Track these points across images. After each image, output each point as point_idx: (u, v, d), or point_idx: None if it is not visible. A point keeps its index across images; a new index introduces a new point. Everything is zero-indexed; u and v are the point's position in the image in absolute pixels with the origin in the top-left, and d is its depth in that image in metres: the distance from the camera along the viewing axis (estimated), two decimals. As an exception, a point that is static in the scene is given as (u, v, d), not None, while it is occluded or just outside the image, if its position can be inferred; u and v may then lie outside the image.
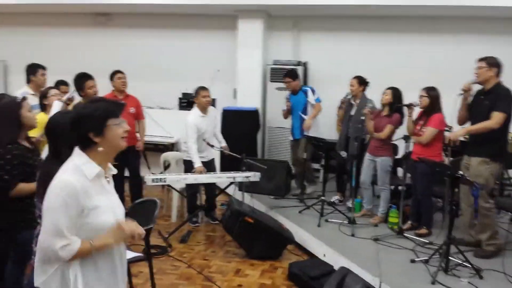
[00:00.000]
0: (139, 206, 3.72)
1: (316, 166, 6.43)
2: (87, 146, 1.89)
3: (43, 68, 4.93)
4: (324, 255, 4.35)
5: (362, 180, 5.15)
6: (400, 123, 4.92)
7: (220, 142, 5.45)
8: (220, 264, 4.36)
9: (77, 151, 1.91)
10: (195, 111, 5.13)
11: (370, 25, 7.18)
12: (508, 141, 4.34)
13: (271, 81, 7.22)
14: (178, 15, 7.74)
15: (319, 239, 4.55)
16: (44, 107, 4.05)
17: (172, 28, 7.83)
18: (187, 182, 4.89)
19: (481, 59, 4.16)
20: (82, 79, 4.65)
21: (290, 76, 5.96)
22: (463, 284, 3.62)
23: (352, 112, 5.43)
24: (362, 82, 5.40)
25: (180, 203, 5.69)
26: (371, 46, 7.17)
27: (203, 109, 5.13)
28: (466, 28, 6.82)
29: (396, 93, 4.90)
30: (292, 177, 6.35)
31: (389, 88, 4.96)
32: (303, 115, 5.76)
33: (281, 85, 7.06)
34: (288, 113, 5.97)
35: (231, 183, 5.23)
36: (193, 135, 4.99)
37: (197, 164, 4.94)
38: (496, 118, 3.98)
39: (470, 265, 3.82)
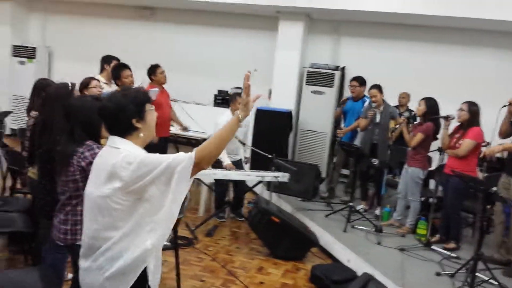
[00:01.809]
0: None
1: (344, 171, 6.39)
2: (128, 134, 1.93)
3: (118, 59, 5.15)
4: (348, 260, 4.34)
5: (399, 190, 5.11)
6: (432, 132, 4.83)
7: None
8: (243, 260, 4.41)
9: (118, 139, 1.92)
10: (228, 113, 5.18)
11: (410, 33, 7.11)
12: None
13: (307, 84, 7.23)
14: (219, 13, 7.88)
15: (344, 244, 4.54)
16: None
17: (212, 25, 7.97)
18: (217, 177, 4.96)
19: None
20: (119, 69, 4.80)
21: (358, 81, 5.99)
22: (489, 301, 3.56)
23: (377, 120, 5.39)
24: (381, 89, 5.39)
25: (208, 198, 5.78)
26: (409, 55, 7.10)
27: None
28: (509, 42, 6.66)
29: (430, 104, 4.82)
30: (321, 181, 6.35)
31: (423, 99, 4.90)
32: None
33: (317, 88, 7.11)
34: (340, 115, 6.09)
35: (260, 182, 5.29)
36: None
37: (226, 161, 5.03)
38: None
39: (497, 283, 3.74)
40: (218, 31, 7.93)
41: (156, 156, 1.83)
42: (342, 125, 6.16)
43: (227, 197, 5.60)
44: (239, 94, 5.10)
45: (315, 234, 4.68)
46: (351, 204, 5.15)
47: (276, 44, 7.32)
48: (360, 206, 5.65)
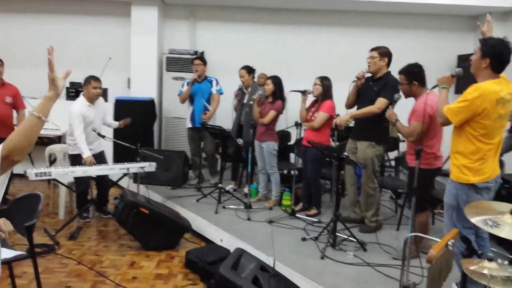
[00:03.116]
0: (20, 202, 3.43)
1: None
2: None
3: None
4: (221, 240, 4.40)
5: (259, 166, 5.30)
6: (282, 109, 5.11)
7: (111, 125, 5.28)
8: (113, 258, 4.19)
9: None
10: (81, 100, 4.82)
11: (266, 16, 7.40)
12: (389, 126, 4.70)
13: (167, 71, 7.10)
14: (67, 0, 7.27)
15: (216, 225, 4.59)
16: None
17: (61, 13, 7.34)
18: (76, 175, 4.58)
19: (373, 49, 4.43)
20: None
21: (201, 59, 5.92)
22: (350, 257, 3.90)
23: (245, 100, 5.54)
24: (250, 71, 5.54)
25: (69, 199, 5.36)
26: (266, 37, 7.41)
27: (91, 100, 4.85)
28: (358, 22, 7.34)
29: (276, 81, 5.10)
30: (190, 167, 6.32)
31: (269, 78, 5.15)
32: (207, 104, 5.75)
33: (178, 74, 7.00)
34: (186, 98, 5.91)
35: (125, 174, 5.05)
36: (80, 124, 4.69)
37: (86, 154, 4.65)
38: (379, 104, 4.28)
39: (355, 240, 4.11)
40: (67, 19, 7.32)
41: None
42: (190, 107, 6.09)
43: (89, 195, 5.23)
44: (92, 77, 4.80)
45: (187, 220, 4.64)
46: (220, 185, 5.21)
47: (131, 31, 7.03)
48: (230, 186, 5.76)
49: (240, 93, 5.64)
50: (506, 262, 2.11)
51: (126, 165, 4.85)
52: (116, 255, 4.26)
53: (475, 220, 2.24)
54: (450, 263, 2.31)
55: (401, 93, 3.95)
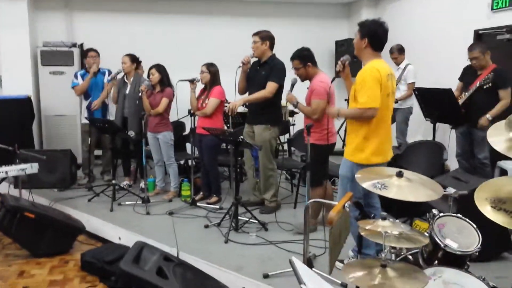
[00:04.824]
0: None
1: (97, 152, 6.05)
2: None
3: None
4: (120, 238, 4.19)
5: (155, 159, 5.15)
6: (173, 96, 5.04)
7: None
8: (-2, 270, 3.77)
9: None
10: None
11: (145, 6, 7.20)
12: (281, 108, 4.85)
13: (43, 65, 6.54)
14: None
15: (112, 223, 4.36)
16: None
17: None
18: None
19: (255, 34, 4.52)
20: None
21: (96, 51, 5.80)
22: (252, 238, 3.97)
23: (127, 91, 5.32)
24: (134, 60, 5.33)
25: None
26: (148, 27, 7.21)
27: None
28: (242, 11, 7.46)
29: (161, 69, 5.00)
30: (78, 166, 5.91)
31: (152, 68, 5.01)
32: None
33: (55, 68, 6.51)
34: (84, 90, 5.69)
35: (3, 178, 4.54)
36: None
37: None
38: (270, 87, 4.40)
39: (256, 221, 4.20)
40: None
41: None
42: (84, 103, 5.76)
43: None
44: None
45: (80, 221, 4.34)
46: (114, 181, 4.95)
47: (-2, 26, 6.35)
48: (124, 182, 5.51)
49: (120, 82, 5.37)
50: (397, 221, 2.30)
51: (4, 168, 4.37)
52: (2, 265, 3.84)
53: (366, 184, 2.40)
54: (348, 224, 2.47)
55: (297, 77, 4.09)
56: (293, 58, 4.05)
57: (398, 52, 5.99)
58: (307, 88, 4.08)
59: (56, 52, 6.52)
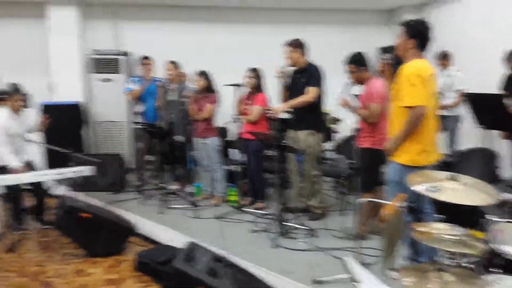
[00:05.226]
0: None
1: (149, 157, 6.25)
2: None
3: None
4: (171, 240, 4.31)
5: (202, 164, 5.28)
6: (218, 101, 5.16)
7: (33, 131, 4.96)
8: (57, 267, 3.94)
9: None
10: (4, 111, 4.51)
11: (190, 14, 7.37)
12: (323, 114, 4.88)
13: (93, 73, 6.82)
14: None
15: (163, 225, 4.50)
16: None
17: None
18: (7, 183, 4.25)
19: (285, 44, 4.61)
20: None
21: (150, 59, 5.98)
22: (300, 243, 4.00)
23: (172, 97, 5.48)
24: (176, 65, 5.51)
25: (3, 213, 4.96)
26: (193, 35, 7.36)
27: (14, 111, 4.55)
28: (278, 19, 7.51)
29: (206, 76, 5.14)
30: (128, 171, 6.12)
31: (198, 74, 5.16)
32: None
33: (104, 76, 6.76)
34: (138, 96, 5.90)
35: (61, 181, 4.77)
36: (1, 137, 4.41)
37: (14, 163, 4.36)
38: (311, 93, 4.46)
39: (304, 227, 4.23)
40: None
41: None
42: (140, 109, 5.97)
43: (24, 205, 4.86)
44: (15, 88, 4.49)
45: (132, 222, 4.50)
46: (163, 185, 5.11)
47: (49, 32, 6.67)
48: (173, 187, 5.66)
49: (163, 90, 5.55)
50: (453, 224, 2.28)
51: (61, 170, 4.58)
52: (60, 264, 4.01)
53: (417, 187, 2.38)
54: (401, 225, 2.46)
55: (349, 81, 4.11)
56: (348, 62, 4.07)
57: (445, 58, 5.92)
58: (352, 94, 4.08)
59: (105, 60, 6.80)
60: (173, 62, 5.48)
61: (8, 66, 6.28)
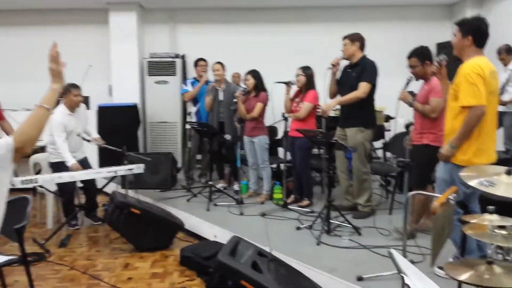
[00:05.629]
0: (8, 206, 3.33)
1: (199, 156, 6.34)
2: None
3: None
4: (215, 236, 4.35)
5: (250, 162, 5.28)
6: (267, 100, 5.14)
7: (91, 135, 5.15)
8: (106, 261, 4.09)
9: None
10: (61, 109, 4.73)
11: (244, 16, 7.43)
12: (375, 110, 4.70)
13: (149, 75, 7.06)
14: (45, 11, 7.23)
15: (209, 221, 4.54)
16: None
17: (39, 24, 7.28)
18: (63, 180, 4.47)
19: (345, 37, 4.52)
20: None
21: (205, 60, 6.09)
22: (345, 241, 3.89)
23: (221, 97, 5.52)
24: (223, 66, 5.55)
25: (56, 208, 5.23)
26: (244, 36, 7.41)
27: (72, 108, 4.77)
28: (333, 17, 7.40)
29: (256, 75, 5.13)
30: (178, 170, 6.25)
31: (248, 73, 5.17)
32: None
33: (160, 78, 6.98)
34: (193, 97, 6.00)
35: (112, 178, 4.95)
36: (61, 134, 4.63)
37: (71, 161, 4.57)
38: (363, 88, 4.33)
39: (349, 225, 4.11)
40: (45, 30, 7.23)
41: None
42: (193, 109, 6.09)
43: (77, 202, 5.09)
44: (72, 85, 4.72)
45: (179, 219, 4.58)
46: (210, 183, 5.17)
47: (110, 37, 6.98)
48: (219, 185, 5.71)
49: (212, 90, 5.59)
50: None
51: (114, 168, 4.76)
52: (109, 258, 4.16)
53: (471, 182, 2.25)
54: (451, 219, 2.32)
55: (411, 76, 3.95)
56: (410, 56, 3.90)
57: (506, 53, 5.58)
58: (410, 90, 3.91)
59: (161, 63, 7.01)
60: (219, 63, 5.54)
61: (73, 71, 6.60)
